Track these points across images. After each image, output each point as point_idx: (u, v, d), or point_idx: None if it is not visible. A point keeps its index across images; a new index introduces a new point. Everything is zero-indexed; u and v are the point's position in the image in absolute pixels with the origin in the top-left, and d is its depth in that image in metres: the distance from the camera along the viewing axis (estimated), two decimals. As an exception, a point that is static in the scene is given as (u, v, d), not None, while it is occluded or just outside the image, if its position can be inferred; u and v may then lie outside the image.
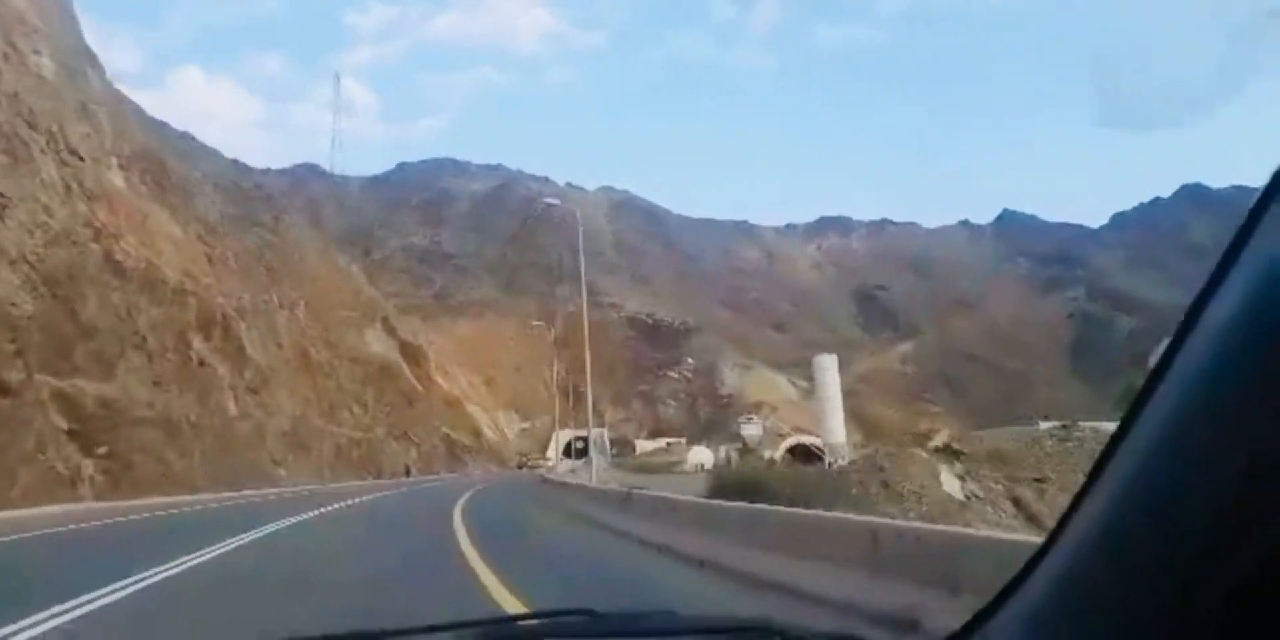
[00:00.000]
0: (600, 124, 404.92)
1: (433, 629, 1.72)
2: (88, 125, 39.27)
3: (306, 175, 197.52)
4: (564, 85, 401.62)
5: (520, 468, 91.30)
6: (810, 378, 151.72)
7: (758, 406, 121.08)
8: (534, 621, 1.72)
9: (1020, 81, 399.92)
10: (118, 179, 40.19)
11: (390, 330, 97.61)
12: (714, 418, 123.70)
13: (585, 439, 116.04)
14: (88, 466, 25.39)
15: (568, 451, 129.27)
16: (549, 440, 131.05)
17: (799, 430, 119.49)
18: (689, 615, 1.70)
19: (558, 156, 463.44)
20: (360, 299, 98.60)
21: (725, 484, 25.31)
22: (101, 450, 26.26)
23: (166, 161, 52.01)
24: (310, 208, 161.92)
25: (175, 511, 22.29)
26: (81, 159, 36.44)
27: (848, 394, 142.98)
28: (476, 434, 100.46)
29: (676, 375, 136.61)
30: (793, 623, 1.60)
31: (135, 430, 29.14)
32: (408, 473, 59.79)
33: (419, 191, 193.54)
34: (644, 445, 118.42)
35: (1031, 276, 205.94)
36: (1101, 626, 1.01)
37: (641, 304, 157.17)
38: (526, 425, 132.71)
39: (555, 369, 73.50)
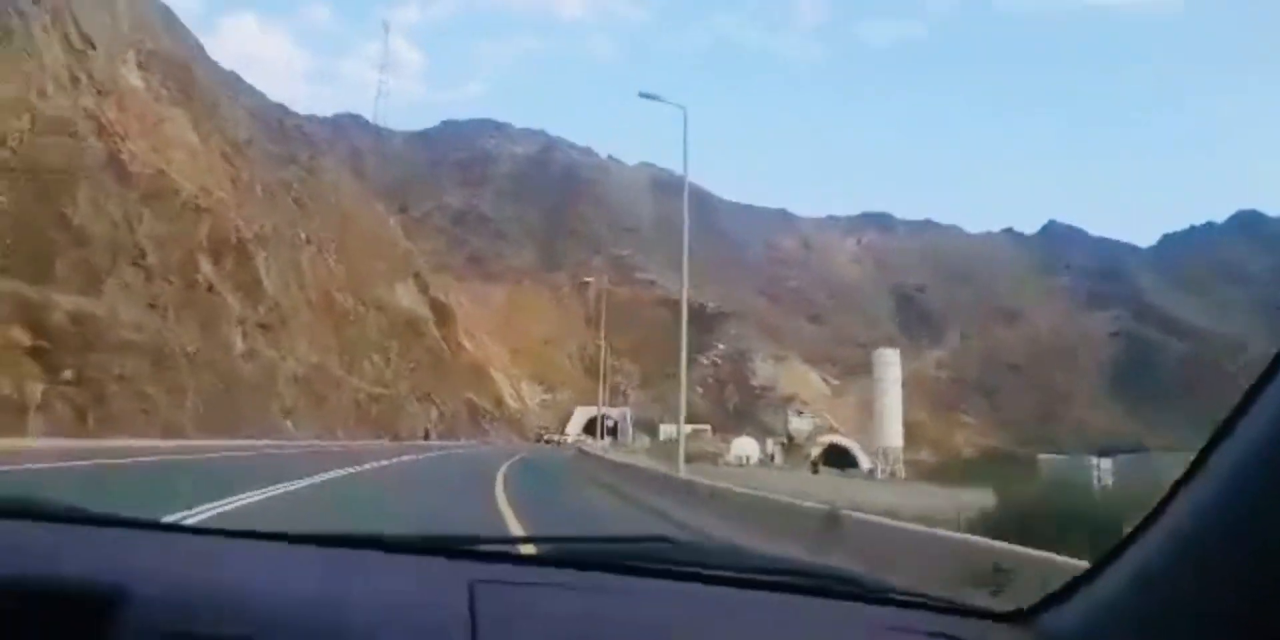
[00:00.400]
0: (641, 99, 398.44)
1: (519, 540, 1.85)
2: (106, 13, 34.53)
3: (349, 124, 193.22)
4: (606, 57, 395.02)
5: (539, 441, 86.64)
6: (841, 376, 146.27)
7: (789, 400, 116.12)
8: (614, 544, 1.77)
9: (1076, 91, 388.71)
10: (133, 76, 35.64)
11: (423, 287, 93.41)
12: (743, 408, 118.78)
13: (609, 418, 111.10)
14: (45, 392, 20.74)
15: (590, 428, 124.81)
16: (569, 416, 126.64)
17: (832, 430, 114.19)
18: (761, 555, 1.76)
19: (599, 127, 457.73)
20: (396, 251, 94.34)
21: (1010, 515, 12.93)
22: (67, 374, 21.68)
23: (195, 71, 47.32)
24: (352, 157, 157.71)
25: (137, 461, 17.69)
26: (94, 47, 31.66)
27: (827, 399, 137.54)
28: (499, 402, 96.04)
29: (706, 361, 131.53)
30: (865, 575, 1.63)
31: (115, 355, 24.63)
32: (426, 436, 55.38)
33: (461, 150, 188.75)
34: (667, 430, 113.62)
35: (1075, 291, 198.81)
36: (1171, 629, 1.03)
37: (679, 284, 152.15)
38: (548, 397, 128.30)
39: (601, 347, 68.23)
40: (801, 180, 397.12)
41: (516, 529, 10.60)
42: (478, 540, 1.65)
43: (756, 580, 1.60)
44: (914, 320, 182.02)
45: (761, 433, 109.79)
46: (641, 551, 1.71)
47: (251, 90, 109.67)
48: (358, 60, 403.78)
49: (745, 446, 74.22)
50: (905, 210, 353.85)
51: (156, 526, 1.82)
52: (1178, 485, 1.08)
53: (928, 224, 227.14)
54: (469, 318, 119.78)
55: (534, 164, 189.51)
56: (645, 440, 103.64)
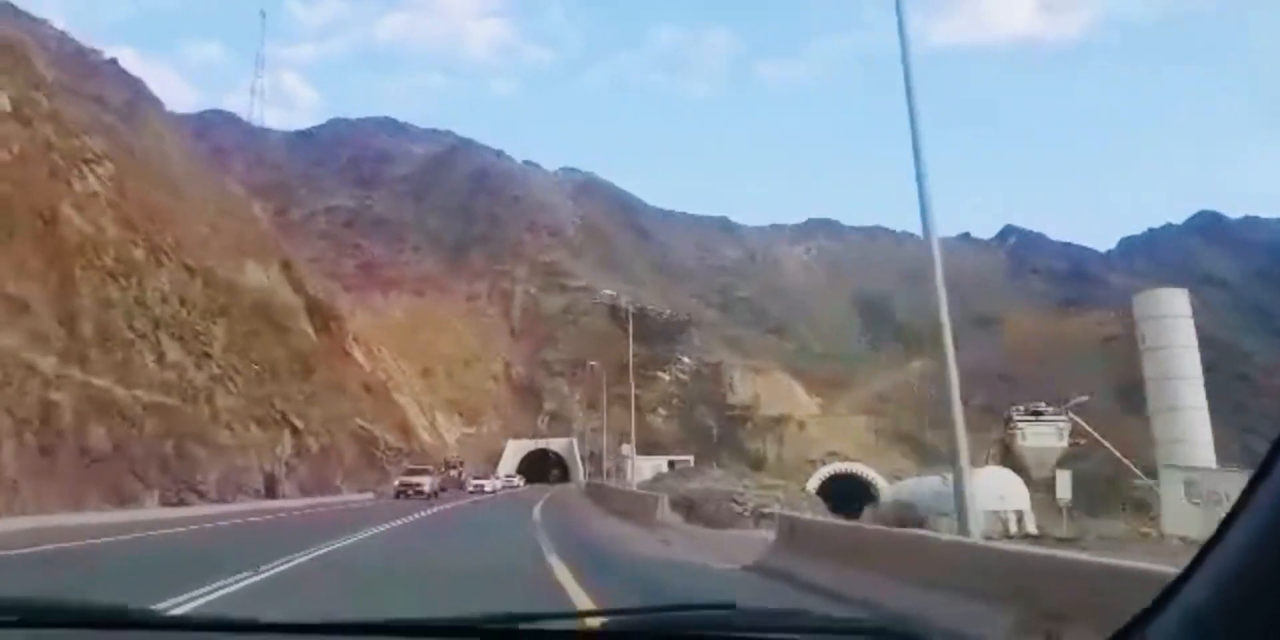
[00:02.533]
0: (562, 102, 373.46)
1: (584, 614, 1.81)
2: None
3: (217, 121, 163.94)
4: (528, 59, 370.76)
5: (401, 495, 57.63)
6: (820, 392, 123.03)
7: (778, 421, 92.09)
8: (677, 613, 1.70)
9: (1026, 93, 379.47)
10: None
11: (296, 282, 66.97)
12: (721, 433, 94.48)
13: (556, 455, 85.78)
14: None
15: (532, 467, 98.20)
16: (499, 453, 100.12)
17: (833, 455, 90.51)
18: (824, 614, 1.70)
19: (512, 131, 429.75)
20: (252, 229, 67.91)
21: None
22: None
23: None
24: (215, 156, 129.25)
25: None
26: None
27: (868, 412, 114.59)
28: (406, 432, 69.39)
29: (669, 377, 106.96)
30: (930, 624, 1.59)
31: None
32: (271, 489, 28.41)
33: (353, 148, 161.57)
34: (640, 463, 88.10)
35: (1048, 296, 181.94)
36: (1265, 630, 1.00)
37: (618, 289, 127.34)
38: (471, 430, 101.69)
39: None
40: (741, 186, 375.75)
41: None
42: (515, 618, 1.49)
43: None
44: (884, 331, 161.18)
45: (751, 462, 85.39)
46: (706, 620, 1.63)
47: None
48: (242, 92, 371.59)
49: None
50: (853, 216, 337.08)
51: (197, 625, 1.79)
52: (1228, 519, 1.07)
53: (878, 230, 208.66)
54: (364, 330, 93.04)
55: (438, 164, 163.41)
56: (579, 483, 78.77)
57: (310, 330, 56.02)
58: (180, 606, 7.35)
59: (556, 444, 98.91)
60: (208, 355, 32.29)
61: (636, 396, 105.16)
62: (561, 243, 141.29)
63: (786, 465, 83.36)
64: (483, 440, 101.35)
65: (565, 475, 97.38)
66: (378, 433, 51.66)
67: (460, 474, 48.73)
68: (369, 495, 41.81)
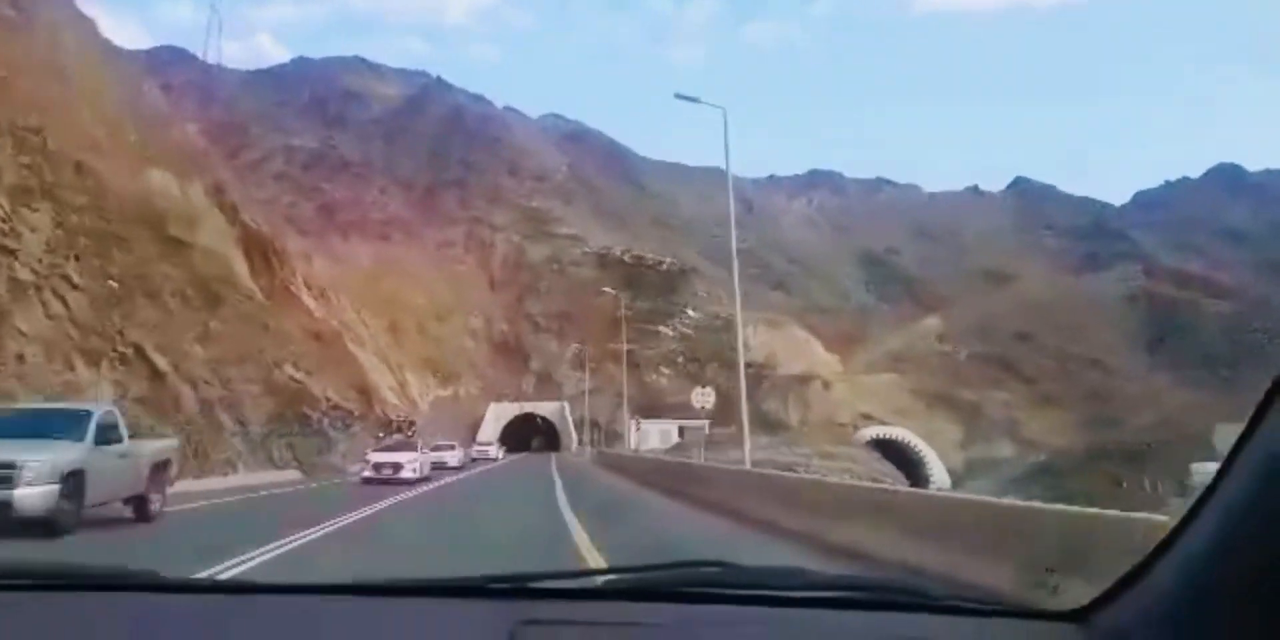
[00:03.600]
0: (545, 56, 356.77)
1: (569, 575, 1.86)
2: None
3: (170, 59, 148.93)
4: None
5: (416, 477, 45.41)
6: (832, 349, 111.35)
7: (803, 381, 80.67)
8: (667, 572, 1.72)
9: (1035, 44, 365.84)
10: None
11: (229, 209, 54.73)
12: (735, 393, 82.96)
13: (544, 421, 73.70)
14: None
15: (516, 435, 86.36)
16: (479, 419, 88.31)
17: (867, 418, 79.22)
18: (818, 572, 1.72)
19: (493, 83, 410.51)
20: (169, 142, 55.20)
21: None
22: None
23: None
24: (166, 93, 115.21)
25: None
26: None
27: (885, 371, 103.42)
28: (365, 394, 57.43)
29: (672, 331, 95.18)
30: (925, 584, 1.63)
31: None
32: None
33: (317, 87, 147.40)
34: (644, 427, 76.37)
35: (1064, 252, 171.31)
36: (1225, 620, 1.03)
37: (613, 240, 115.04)
38: (446, 392, 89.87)
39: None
40: (736, 136, 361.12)
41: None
42: (521, 578, 1.59)
43: (816, 598, 1.57)
44: (892, 287, 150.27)
45: (767, 426, 74.09)
46: (696, 577, 1.65)
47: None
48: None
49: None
50: (854, 168, 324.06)
51: (193, 587, 1.85)
52: (1219, 475, 1.08)
53: (882, 182, 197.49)
54: (323, 277, 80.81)
55: (411, 106, 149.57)
56: (590, 451, 67.35)
57: (242, 264, 43.89)
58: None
59: (545, 408, 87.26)
60: (11, 252, 20.19)
61: (634, 354, 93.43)
62: (548, 188, 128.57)
63: (813, 429, 72.07)
64: (461, 404, 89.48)
65: (554, 442, 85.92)
66: (315, 388, 39.60)
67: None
68: (293, 474, 29.91)
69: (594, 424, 79.65)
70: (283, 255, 60.87)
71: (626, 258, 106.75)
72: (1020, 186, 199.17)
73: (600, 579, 1.72)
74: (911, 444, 68.60)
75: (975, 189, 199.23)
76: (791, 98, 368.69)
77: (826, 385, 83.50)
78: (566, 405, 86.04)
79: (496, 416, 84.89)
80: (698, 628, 1.46)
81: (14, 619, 1.42)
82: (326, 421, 36.47)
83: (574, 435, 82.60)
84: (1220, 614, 1.03)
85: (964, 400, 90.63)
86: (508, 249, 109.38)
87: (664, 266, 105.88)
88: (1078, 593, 1.42)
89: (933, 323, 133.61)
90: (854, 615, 1.53)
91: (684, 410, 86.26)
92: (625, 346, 75.47)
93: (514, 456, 66.93)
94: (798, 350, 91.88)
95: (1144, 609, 1.19)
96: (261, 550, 9.60)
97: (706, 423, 76.74)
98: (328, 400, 41.61)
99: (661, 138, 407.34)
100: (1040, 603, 1.56)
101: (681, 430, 73.87)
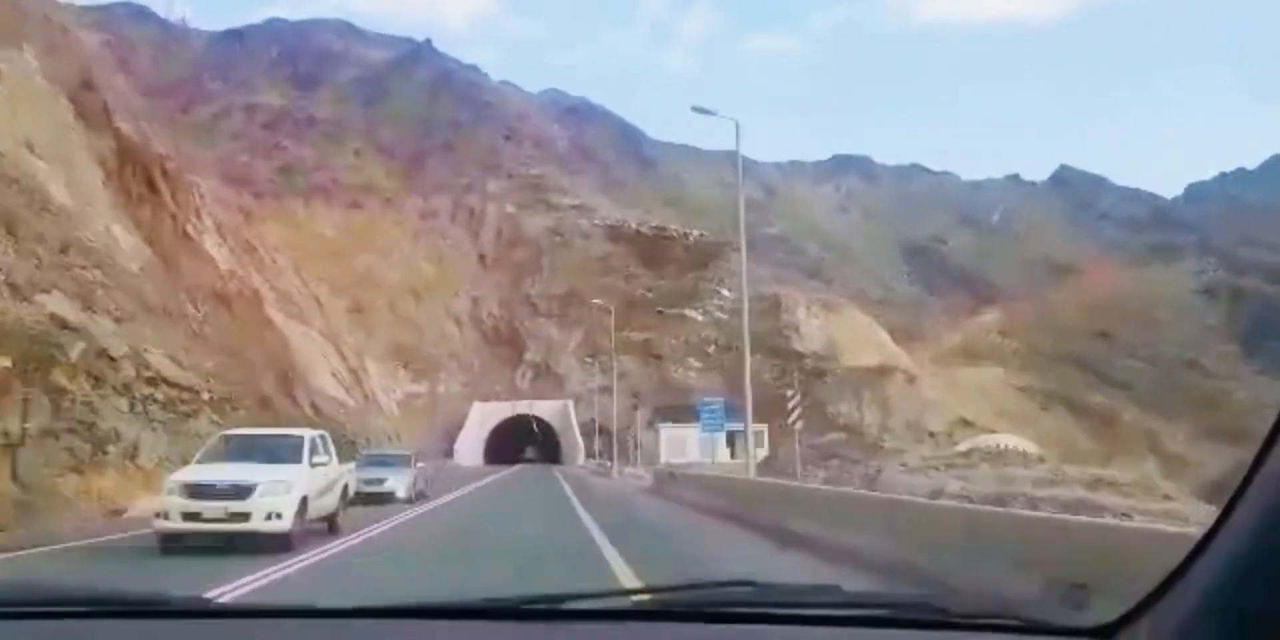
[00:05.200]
0: (545, 27, 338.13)
1: (601, 595, 1.85)
2: None
3: (125, 14, 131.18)
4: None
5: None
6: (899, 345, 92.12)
7: (881, 374, 63.25)
8: (698, 591, 1.71)
9: (1077, 29, 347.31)
10: None
11: (92, 112, 37.64)
12: (784, 389, 65.32)
13: (542, 425, 59.11)
14: None
15: (506, 443, 68.46)
16: (458, 421, 70.69)
17: (967, 425, 61.44)
18: (852, 590, 1.73)
19: (490, 56, 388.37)
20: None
21: None
22: None
23: None
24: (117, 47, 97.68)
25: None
26: None
27: (944, 373, 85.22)
28: (287, 384, 39.86)
29: (701, 315, 77.52)
30: (957, 600, 1.63)
31: None
32: None
33: (288, 48, 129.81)
34: (671, 434, 58.69)
35: (1124, 243, 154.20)
36: (1259, 632, 1.02)
37: (625, 212, 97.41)
38: (420, 388, 72.39)
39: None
40: (751, 119, 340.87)
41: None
42: (553, 599, 1.58)
43: (847, 617, 1.57)
44: (941, 278, 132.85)
45: (823, 427, 56.42)
46: (727, 597, 1.65)
47: None
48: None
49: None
50: (884, 154, 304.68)
51: (229, 612, 1.92)
52: (1238, 492, 1.08)
53: (916, 169, 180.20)
54: (280, 247, 63.64)
55: (397, 69, 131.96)
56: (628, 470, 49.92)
57: (97, 183, 26.52)
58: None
59: (544, 408, 69.55)
60: None
61: (653, 343, 75.65)
62: (549, 156, 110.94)
63: (895, 437, 54.37)
64: (439, 403, 71.78)
65: (552, 452, 68.24)
66: (171, 364, 22.17)
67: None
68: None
69: (604, 430, 61.79)
70: (180, 186, 43.30)
71: (644, 230, 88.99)
72: (1065, 175, 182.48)
73: (632, 600, 1.69)
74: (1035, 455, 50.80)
75: (1016, 177, 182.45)
76: (813, 82, 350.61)
77: (911, 380, 65.78)
78: (570, 405, 68.29)
79: (482, 419, 67.16)
80: None
81: None
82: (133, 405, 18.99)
83: (580, 443, 64.81)
84: (1247, 630, 1.02)
85: (1093, 404, 72.97)
86: (501, 220, 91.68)
87: (691, 239, 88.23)
88: (1105, 609, 1.39)
89: (991, 317, 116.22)
90: (884, 633, 1.52)
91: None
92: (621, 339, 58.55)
93: (501, 472, 49.18)
94: (863, 338, 74.27)
95: (1170, 626, 1.17)
96: None
97: (764, 428, 58.93)
98: (197, 385, 23.96)
99: (672, 121, 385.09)
100: (1067, 619, 1.53)
101: (731, 437, 56.34)
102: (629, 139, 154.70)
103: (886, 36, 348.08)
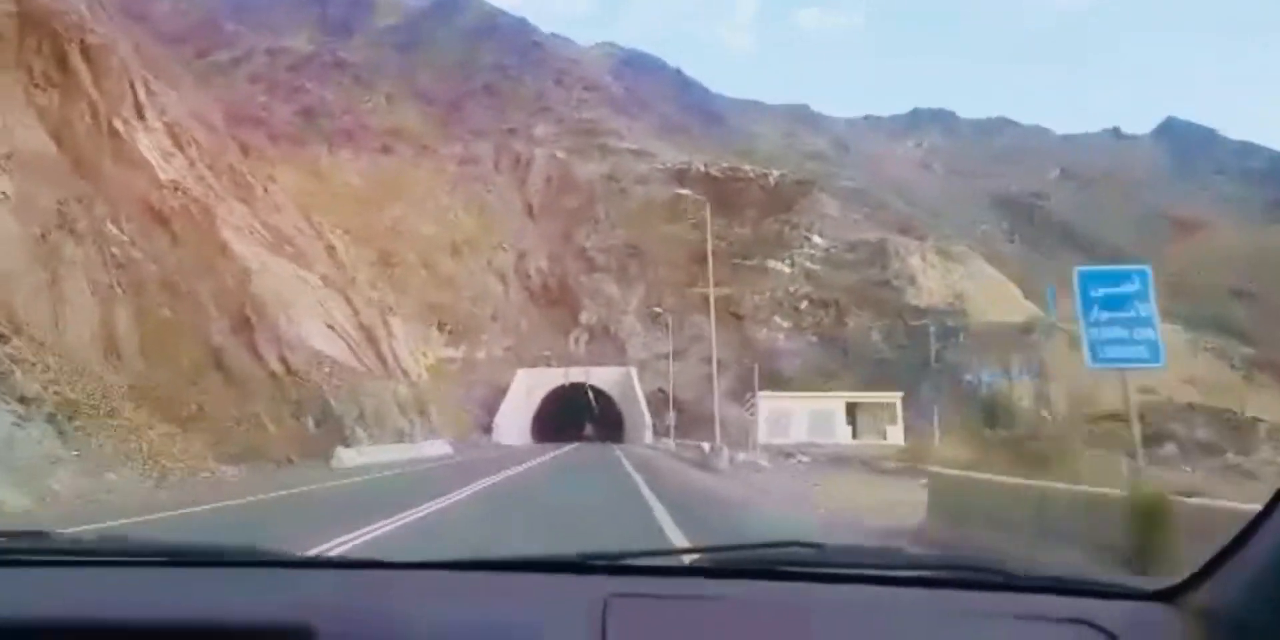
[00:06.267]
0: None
1: (661, 553, 1.87)
2: None
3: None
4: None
5: None
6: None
7: (1026, 332, 50.71)
8: (764, 550, 1.72)
9: None
10: None
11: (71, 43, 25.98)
12: (900, 353, 53.34)
13: (600, 395, 47.98)
14: None
15: (554, 418, 57.05)
16: (500, 390, 59.42)
17: (1162, 403, 48.66)
18: (914, 553, 1.73)
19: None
20: None
21: None
22: None
23: None
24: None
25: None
26: None
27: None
28: (246, 331, 28.20)
29: (789, 267, 65.29)
30: (1019, 563, 1.63)
31: None
32: None
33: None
34: (773, 407, 46.36)
35: (1247, 198, 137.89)
36: None
37: (681, 157, 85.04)
38: (456, 352, 61.42)
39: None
40: (821, 72, 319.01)
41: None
42: (614, 555, 1.62)
43: (907, 577, 1.58)
44: (1046, 235, 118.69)
45: (953, 400, 44.12)
46: (786, 556, 1.66)
47: None
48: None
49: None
50: (966, 108, 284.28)
51: (327, 563, 2.00)
52: None
53: (1003, 123, 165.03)
54: (299, 196, 52.84)
55: (433, 17, 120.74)
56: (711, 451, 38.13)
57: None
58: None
59: (601, 376, 58.05)
60: None
61: (731, 297, 63.45)
62: (603, 100, 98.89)
63: (1056, 416, 41.87)
64: (478, 369, 60.56)
65: (615, 430, 56.87)
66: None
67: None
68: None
69: (677, 403, 49.94)
70: (105, 70, 32.14)
71: (714, 172, 76.53)
72: (1170, 129, 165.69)
73: (690, 557, 1.70)
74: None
75: (1117, 131, 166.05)
76: (884, 16, 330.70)
77: (1073, 341, 53.36)
78: (634, 373, 56.60)
79: (527, 388, 55.88)
80: (786, 604, 1.44)
81: (152, 592, 1.48)
82: None
83: (646, 418, 53.16)
84: None
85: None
86: (550, 166, 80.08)
87: (772, 179, 75.60)
88: (1168, 575, 1.40)
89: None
90: (946, 594, 1.52)
91: (809, 381, 56.48)
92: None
93: (553, 451, 37.87)
94: (995, 293, 61.37)
95: (1230, 592, 1.16)
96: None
97: (898, 398, 46.64)
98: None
99: (727, 71, 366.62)
100: (1130, 583, 1.53)
101: (852, 410, 44.16)
102: (686, 89, 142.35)
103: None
